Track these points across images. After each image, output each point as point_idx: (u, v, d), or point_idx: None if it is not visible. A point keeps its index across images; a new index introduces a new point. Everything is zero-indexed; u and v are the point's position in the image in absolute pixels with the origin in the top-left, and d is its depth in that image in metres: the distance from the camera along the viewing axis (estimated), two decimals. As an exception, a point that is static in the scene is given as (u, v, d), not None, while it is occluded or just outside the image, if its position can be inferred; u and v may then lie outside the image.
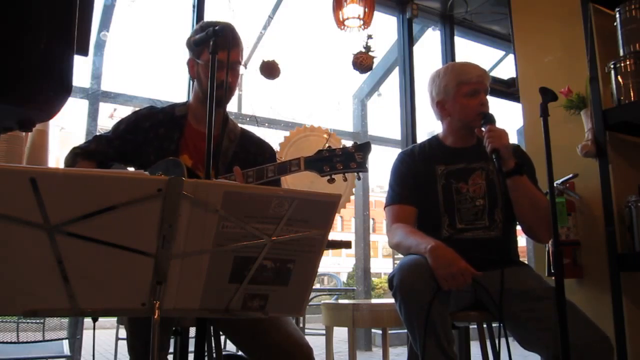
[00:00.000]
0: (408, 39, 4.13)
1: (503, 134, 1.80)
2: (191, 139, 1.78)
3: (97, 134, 1.84)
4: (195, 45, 1.53)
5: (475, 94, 1.93)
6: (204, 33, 1.44)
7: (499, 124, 1.87)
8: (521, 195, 1.82)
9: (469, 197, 1.92)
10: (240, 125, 1.91)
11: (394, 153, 4.18)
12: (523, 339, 1.74)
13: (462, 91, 1.93)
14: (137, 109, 1.88)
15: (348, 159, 1.45)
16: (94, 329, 1.28)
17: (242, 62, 1.77)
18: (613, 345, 1.62)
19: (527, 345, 1.74)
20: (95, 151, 1.76)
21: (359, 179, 1.52)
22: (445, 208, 1.93)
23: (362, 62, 3.52)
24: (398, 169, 2.05)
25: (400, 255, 1.98)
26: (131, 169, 1.81)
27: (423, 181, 1.97)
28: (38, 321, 2.92)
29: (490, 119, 1.87)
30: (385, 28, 4.34)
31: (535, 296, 1.72)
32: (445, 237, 1.87)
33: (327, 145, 1.51)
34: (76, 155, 1.75)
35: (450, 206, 1.93)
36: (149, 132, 1.77)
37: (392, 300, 1.78)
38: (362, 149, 1.47)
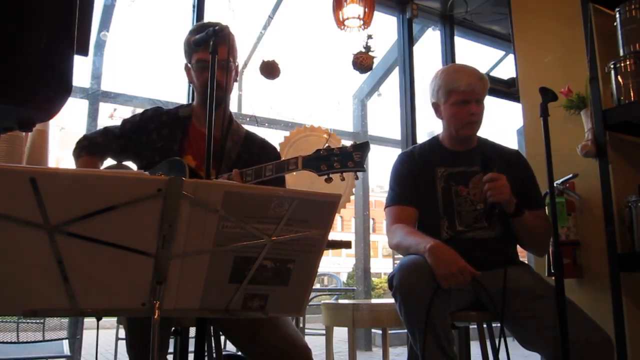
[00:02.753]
0: (408, 39, 4.13)
1: (504, 189, 1.72)
2: (195, 139, 1.80)
3: (107, 126, 1.87)
4: (188, 47, 1.57)
5: (465, 104, 1.91)
6: (195, 35, 1.47)
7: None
8: (521, 229, 1.85)
9: (469, 200, 1.92)
10: (245, 127, 1.92)
11: (394, 153, 4.19)
12: (523, 338, 1.74)
13: (452, 99, 1.93)
14: (137, 109, 1.89)
15: (346, 158, 1.45)
16: (97, 328, 1.28)
17: (233, 60, 1.78)
18: (614, 344, 1.62)
19: (527, 345, 1.74)
20: (101, 144, 1.79)
21: (356, 178, 1.52)
22: (445, 210, 1.93)
23: (362, 62, 3.52)
24: (398, 170, 2.05)
25: (400, 255, 1.98)
26: (133, 166, 1.83)
27: (423, 183, 1.97)
28: (38, 321, 2.92)
29: (488, 165, 1.78)
30: (385, 28, 4.34)
31: (535, 295, 1.72)
32: (444, 239, 1.86)
33: (326, 145, 1.51)
34: (82, 149, 1.79)
35: (450, 209, 1.92)
36: (153, 134, 1.79)
37: (392, 300, 1.78)
38: (361, 148, 1.46)
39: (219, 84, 1.65)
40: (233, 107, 4.15)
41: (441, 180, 1.96)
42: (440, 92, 1.96)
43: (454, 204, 1.93)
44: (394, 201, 1.99)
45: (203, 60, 1.70)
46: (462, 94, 1.90)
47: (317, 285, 8.94)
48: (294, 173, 1.55)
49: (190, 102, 1.93)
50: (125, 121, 1.84)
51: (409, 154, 2.09)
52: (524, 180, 1.96)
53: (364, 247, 5.15)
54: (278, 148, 1.99)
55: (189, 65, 1.80)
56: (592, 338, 1.58)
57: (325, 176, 1.46)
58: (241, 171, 1.56)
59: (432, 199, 1.95)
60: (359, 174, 1.47)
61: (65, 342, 2.98)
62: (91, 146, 1.78)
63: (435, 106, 2.02)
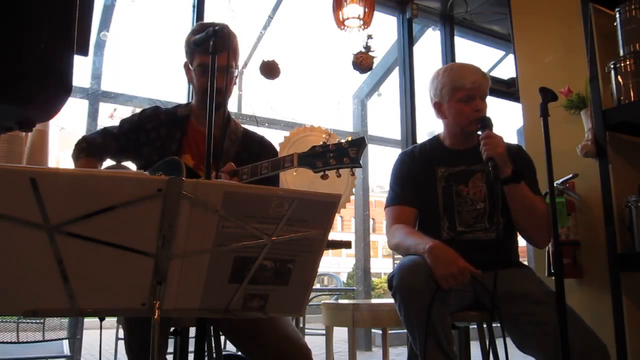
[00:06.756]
0: (408, 39, 4.13)
1: (499, 142, 1.78)
2: (193, 139, 1.80)
3: (105, 126, 1.87)
4: (189, 47, 1.55)
5: (470, 100, 1.91)
6: (196, 36, 1.45)
7: (498, 125, 1.87)
8: (518, 202, 1.83)
9: (469, 199, 1.92)
10: (243, 125, 1.92)
11: (394, 153, 4.19)
12: (521, 342, 1.73)
13: (457, 96, 1.92)
14: (137, 109, 1.89)
15: (341, 154, 1.43)
16: (100, 328, 1.28)
17: (234, 65, 1.77)
18: (610, 354, 1.61)
19: (525, 349, 1.73)
20: (100, 145, 1.79)
21: (352, 174, 1.49)
22: (445, 210, 1.92)
23: (362, 62, 3.52)
24: (398, 170, 2.05)
25: (400, 255, 1.98)
26: (132, 166, 1.83)
27: (423, 182, 1.97)
28: (38, 321, 2.92)
29: (487, 124, 1.85)
30: (385, 28, 4.34)
31: (535, 300, 1.71)
32: (444, 240, 1.86)
33: (322, 142, 1.49)
34: (81, 151, 1.78)
35: (450, 209, 1.92)
36: (151, 133, 1.79)
37: (392, 300, 1.78)
38: (356, 144, 1.44)
39: (218, 89, 1.64)
40: (233, 107, 4.15)
41: (441, 180, 1.96)
42: (444, 90, 1.95)
43: (454, 203, 1.92)
44: (394, 201, 1.98)
45: (204, 64, 1.68)
46: (468, 90, 1.90)
47: (317, 285, 8.93)
48: (294, 173, 1.54)
49: (189, 101, 1.92)
50: (123, 121, 1.84)
51: (409, 153, 2.09)
52: (524, 170, 1.96)
53: (364, 247, 5.16)
54: (278, 148, 1.98)
55: (189, 65, 1.79)
56: (589, 347, 1.57)
57: (322, 173, 1.45)
58: (237, 169, 1.55)
59: (433, 199, 1.94)
60: (357, 171, 1.46)
61: (65, 342, 2.98)
62: (90, 148, 1.78)
63: (438, 106, 2.01)
